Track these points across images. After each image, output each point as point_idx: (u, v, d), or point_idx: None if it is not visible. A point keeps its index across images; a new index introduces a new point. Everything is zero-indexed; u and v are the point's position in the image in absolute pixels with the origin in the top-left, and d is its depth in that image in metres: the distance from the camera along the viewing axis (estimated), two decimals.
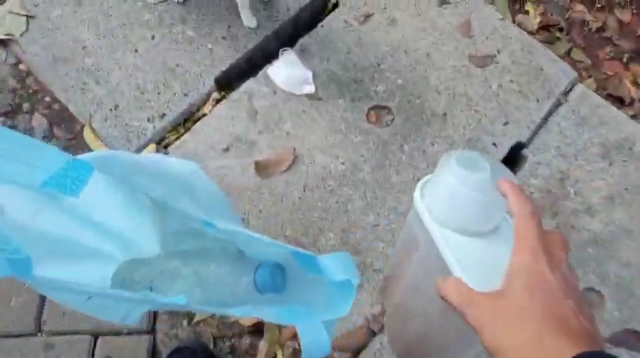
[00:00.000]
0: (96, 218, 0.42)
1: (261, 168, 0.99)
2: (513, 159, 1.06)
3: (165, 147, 1.02)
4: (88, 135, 1.02)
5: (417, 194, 0.41)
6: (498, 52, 1.15)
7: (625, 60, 1.32)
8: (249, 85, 1.08)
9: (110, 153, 0.40)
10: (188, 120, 1.07)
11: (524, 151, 1.04)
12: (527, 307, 0.29)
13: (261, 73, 1.09)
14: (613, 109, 1.10)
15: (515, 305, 0.30)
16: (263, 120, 1.04)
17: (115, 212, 0.43)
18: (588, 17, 1.40)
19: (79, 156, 0.38)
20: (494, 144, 1.03)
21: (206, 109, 1.07)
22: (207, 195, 0.47)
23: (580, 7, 1.43)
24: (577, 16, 1.40)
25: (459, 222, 0.38)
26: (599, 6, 1.43)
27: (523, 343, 0.28)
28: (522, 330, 0.29)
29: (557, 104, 1.10)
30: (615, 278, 0.93)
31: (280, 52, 1.10)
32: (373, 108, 1.07)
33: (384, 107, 1.07)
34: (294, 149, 1.01)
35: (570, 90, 1.13)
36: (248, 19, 1.12)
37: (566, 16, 1.39)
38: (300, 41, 1.13)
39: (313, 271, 0.44)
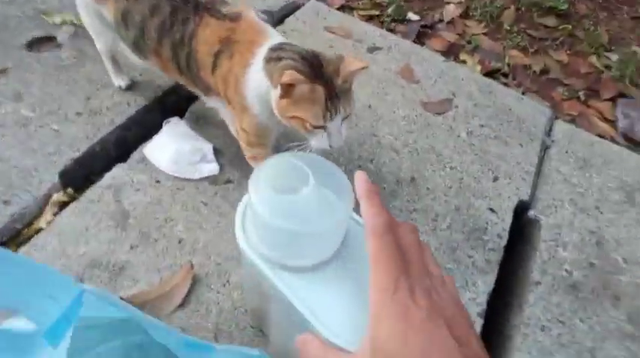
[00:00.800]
0: None
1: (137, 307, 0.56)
2: (519, 227, 0.74)
3: None
4: None
5: (238, 231, 0.37)
6: (454, 95, 0.91)
7: (583, 98, 1.17)
8: (115, 174, 0.70)
9: None
10: (9, 242, 0.64)
11: (531, 213, 0.73)
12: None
13: (134, 154, 0.72)
14: (609, 144, 0.87)
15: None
16: (138, 227, 0.64)
17: None
18: (527, 61, 1.28)
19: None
20: (492, 210, 0.72)
21: (42, 221, 0.65)
22: None
23: (514, 52, 1.31)
24: (517, 62, 1.27)
25: (292, 260, 0.34)
26: (532, 50, 1.32)
27: None
28: None
29: (545, 147, 0.85)
30: None
31: (164, 123, 0.76)
32: None
33: None
34: (192, 266, 0.61)
35: (551, 129, 0.90)
36: None
37: (506, 62, 1.25)
38: (192, 108, 0.80)
39: None
